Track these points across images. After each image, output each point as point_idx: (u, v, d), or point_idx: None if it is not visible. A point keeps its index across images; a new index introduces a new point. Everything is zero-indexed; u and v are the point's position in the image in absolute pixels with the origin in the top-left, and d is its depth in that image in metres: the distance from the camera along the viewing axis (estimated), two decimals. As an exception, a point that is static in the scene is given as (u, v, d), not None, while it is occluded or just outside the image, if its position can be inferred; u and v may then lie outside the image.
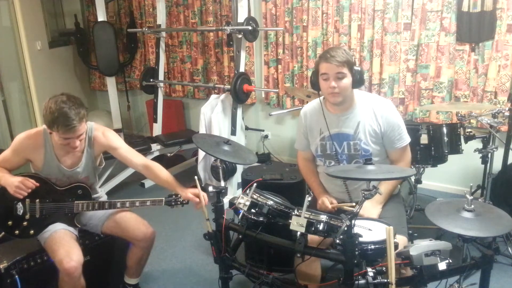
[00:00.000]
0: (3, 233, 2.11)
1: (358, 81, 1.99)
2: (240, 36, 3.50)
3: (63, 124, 1.90)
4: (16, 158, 2.12)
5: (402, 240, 1.85)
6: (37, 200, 2.09)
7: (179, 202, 2.18)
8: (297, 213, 1.62)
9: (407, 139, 2.09)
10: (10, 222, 2.06)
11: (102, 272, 2.35)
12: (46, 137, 2.11)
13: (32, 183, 2.03)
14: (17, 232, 2.08)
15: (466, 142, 2.75)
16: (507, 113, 2.57)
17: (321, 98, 2.13)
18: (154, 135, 4.28)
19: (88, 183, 2.24)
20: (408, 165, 2.17)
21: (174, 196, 2.20)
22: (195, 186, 1.90)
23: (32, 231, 2.09)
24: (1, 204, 2.06)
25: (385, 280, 1.51)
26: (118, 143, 2.22)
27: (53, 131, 1.96)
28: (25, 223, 2.08)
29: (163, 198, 2.20)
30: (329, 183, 2.19)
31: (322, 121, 2.09)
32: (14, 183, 2.00)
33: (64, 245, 2.01)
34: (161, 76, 4.27)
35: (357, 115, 2.05)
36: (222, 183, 3.39)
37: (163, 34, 4.21)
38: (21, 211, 2.07)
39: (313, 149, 2.21)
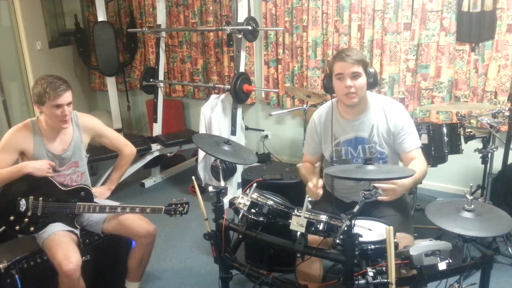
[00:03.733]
0: (3, 227, 2.11)
1: (372, 83, 1.96)
2: (240, 36, 3.50)
3: (53, 89, 2.03)
4: (9, 155, 2.12)
5: (408, 238, 1.85)
6: (40, 199, 2.11)
7: (178, 212, 2.27)
8: (297, 213, 1.62)
9: (414, 143, 2.02)
10: (12, 217, 2.07)
11: (102, 271, 2.35)
12: (34, 126, 2.17)
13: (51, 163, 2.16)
14: (17, 227, 2.09)
15: (466, 142, 2.76)
16: (507, 113, 2.57)
17: (334, 100, 2.08)
18: (154, 135, 4.28)
19: (79, 170, 2.28)
20: (423, 164, 2.01)
21: (173, 206, 2.28)
22: (194, 186, 1.90)
23: (32, 228, 2.10)
24: (5, 199, 2.07)
25: (385, 280, 1.51)
26: (103, 126, 2.40)
27: (43, 104, 2.06)
28: (26, 219, 2.09)
29: (163, 207, 2.26)
30: (339, 182, 2.13)
31: (336, 126, 2.06)
32: (43, 165, 2.10)
33: (62, 248, 2.01)
34: (161, 76, 4.27)
35: (371, 118, 2.03)
36: (222, 183, 3.42)
37: (163, 34, 4.21)
38: (24, 207, 2.08)
39: (327, 155, 2.15)
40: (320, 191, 1.91)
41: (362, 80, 1.92)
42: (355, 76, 1.90)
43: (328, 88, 2.01)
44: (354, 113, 2.04)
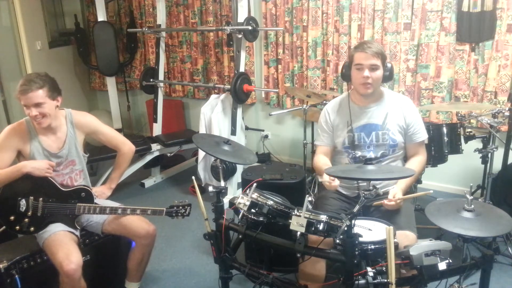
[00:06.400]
0: (3, 227, 2.11)
1: (388, 76, 2.10)
2: (240, 36, 3.50)
3: (19, 88, 2.00)
4: (6, 154, 2.12)
5: (411, 236, 1.86)
6: (41, 199, 2.11)
7: (179, 214, 2.27)
8: (297, 213, 1.62)
9: (424, 134, 2.18)
10: (12, 217, 2.08)
11: (102, 271, 2.35)
12: (28, 125, 2.17)
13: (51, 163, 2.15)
14: (17, 227, 2.09)
15: (466, 142, 2.76)
16: (507, 113, 2.57)
17: (349, 91, 2.23)
18: (154, 135, 4.27)
19: (77, 169, 2.28)
20: (424, 161, 2.22)
21: (175, 208, 2.28)
22: (194, 186, 1.90)
23: (32, 228, 2.11)
24: (6, 199, 2.08)
25: (385, 280, 1.51)
26: (99, 123, 2.36)
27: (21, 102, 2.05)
28: (26, 219, 2.09)
29: (164, 209, 2.26)
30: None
31: (349, 113, 2.16)
32: (42, 164, 2.10)
33: (63, 248, 2.01)
34: (161, 76, 4.26)
35: (385, 106, 2.15)
36: (222, 183, 3.41)
37: (163, 34, 4.21)
38: (24, 208, 2.08)
39: (339, 142, 2.22)
40: (335, 183, 1.99)
41: (379, 73, 2.04)
42: (373, 68, 2.02)
43: (346, 76, 2.14)
44: (367, 102, 2.16)
